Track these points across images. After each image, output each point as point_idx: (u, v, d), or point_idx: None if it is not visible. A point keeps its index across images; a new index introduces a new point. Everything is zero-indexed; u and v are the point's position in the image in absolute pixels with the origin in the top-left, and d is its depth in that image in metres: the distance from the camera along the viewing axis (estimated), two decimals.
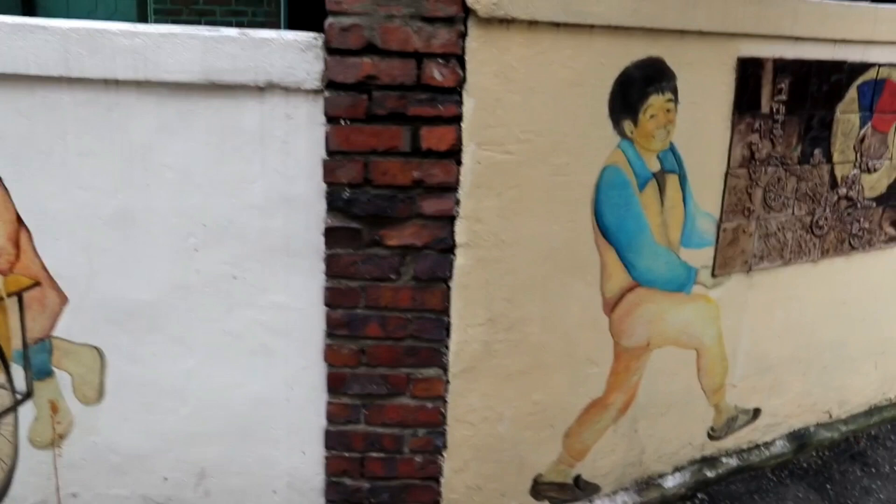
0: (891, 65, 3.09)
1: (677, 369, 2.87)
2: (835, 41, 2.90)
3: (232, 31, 2.22)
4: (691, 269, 2.78)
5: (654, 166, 2.59)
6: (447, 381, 2.40)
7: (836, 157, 3.04)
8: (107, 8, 6.45)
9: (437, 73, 2.19)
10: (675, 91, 2.55)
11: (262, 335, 2.42)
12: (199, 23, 6.17)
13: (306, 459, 2.53)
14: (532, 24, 2.24)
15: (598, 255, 2.56)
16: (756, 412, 3.16)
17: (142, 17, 6.25)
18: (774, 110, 2.80)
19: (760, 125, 2.78)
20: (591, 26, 2.34)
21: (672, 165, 2.63)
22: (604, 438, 2.76)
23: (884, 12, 2.99)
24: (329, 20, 2.13)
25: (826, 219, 3.09)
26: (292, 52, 2.21)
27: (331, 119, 2.20)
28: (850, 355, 3.41)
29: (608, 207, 2.52)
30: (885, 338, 3.53)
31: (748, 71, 2.70)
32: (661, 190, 2.62)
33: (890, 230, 3.34)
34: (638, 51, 2.45)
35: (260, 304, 2.41)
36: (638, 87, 2.47)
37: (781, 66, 2.78)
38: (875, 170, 3.19)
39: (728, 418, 3.07)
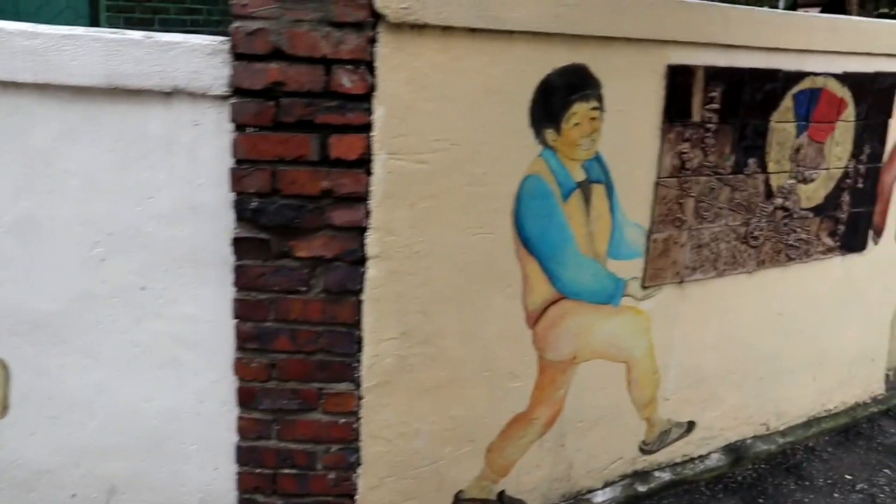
0: (827, 74, 3.06)
1: (606, 382, 2.83)
2: (769, 49, 2.86)
3: (136, 34, 2.14)
4: (620, 280, 2.74)
5: (579, 176, 2.54)
6: (360, 397, 2.34)
7: (771, 166, 3.01)
8: (57, 4, 6.31)
9: (345, 80, 2.13)
10: (600, 99, 2.50)
11: (171, 347, 2.35)
12: (152, 22, 6.05)
13: (219, 475, 2.46)
14: (446, 29, 2.18)
15: (520, 267, 2.50)
16: (690, 425, 3.13)
17: (93, 15, 6.12)
18: (706, 119, 2.76)
19: (692, 134, 2.74)
20: (510, 32, 2.29)
21: (598, 175, 2.58)
22: (529, 453, 2.71)
23: (819, 21, 2.96)
24: (235, 24, 2.06)
25: (762, 229, 3.06)
26: (198, 56, 2.14)
27: (238, 126, 2.13)
28: (787, 367, 3.39)
29: (530, 218, 2.46)
30: (823, 349, 3.51)
31: (678, 79, 2.65)
32: (587, 200, 2.57)
33: (828, 241, 3.32)
34: (560, 58, 2.40)
35: (169, 316, 2.33)
36: (561, 95, 2.42)
37: (713, 74, 2.74)
38: (812, 180, 3.16)
39: (661, 432, 3.04)
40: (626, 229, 2.71)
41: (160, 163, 2.22)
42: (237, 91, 2.12)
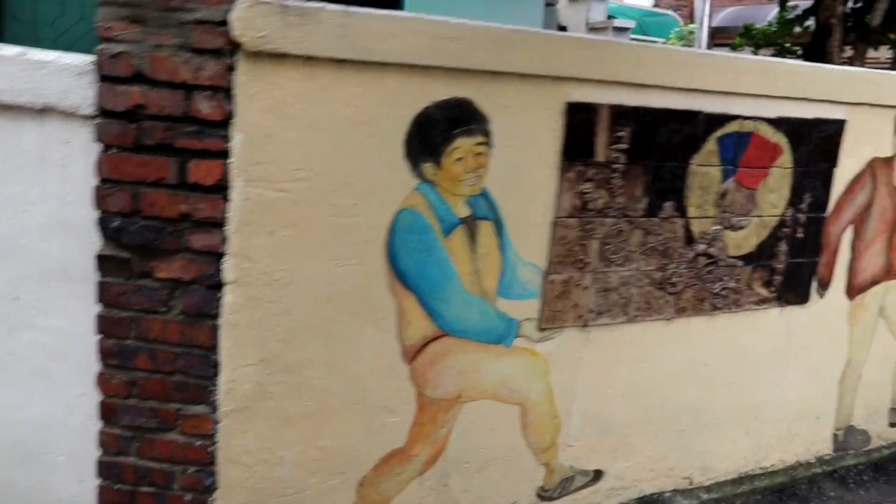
0: (757, 118, 2.98)
1: (498, 424, 2.78)
2: (688, 90, 2.80)
3: (11, 50, 2.22)
4: (512, 320, 2.70)
5: (463, 211, 2.52)
6: (217, 420, 2.35)
7: (692, 211, 2.93)
8: (73, 15, 6.47)
9: (204, 106, 2.16)
10: (487, 134, 2.48)
11: (42, 358, 2.41)
12: None
13: (83, 488, 2.50)
14: (309, 59, 2.20)
15: (394, 301, 2.48)
16: (597, 474, 3.05)
17: None
18: (613, 159, 2.71)
19: (595, 174, 2.69)
20: (382, 64, 2.28)
21: (485, 212, 2.55)
22: (408, 491, 2.69)
23: (745, 63, 2.88)
24: (100, 46, 2.12)
25: (681, 276, 2.98)
26: (68, 75, 2.21)
27: (104, 146, 2.19)
28: (714, 420, 3.28)
29: (405, 252, 2.45)
30: (758, 404, 3.39)
31: (579, 117, 2.62)
32: (472, 236, 2.55)
33: (762, 291, 3.21)
34: (440, 91, 2.39)
35: (40, 327, 2.40)
36: (441, 129, 2.41)
37: (621, 113, 2.69)
38: (741, 227, 3.06)
39: (563, 479, 2.97)
40: (520, 268, 2.67)
41: (33, 178, 2.29)
42: (102, 112, 2.17)
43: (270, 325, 2.35)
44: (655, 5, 13.77)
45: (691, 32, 11.63)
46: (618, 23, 10.20)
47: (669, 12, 12.72)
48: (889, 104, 3.33)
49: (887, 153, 3.43)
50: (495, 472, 2.85)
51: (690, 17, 12.62)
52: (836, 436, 3.71)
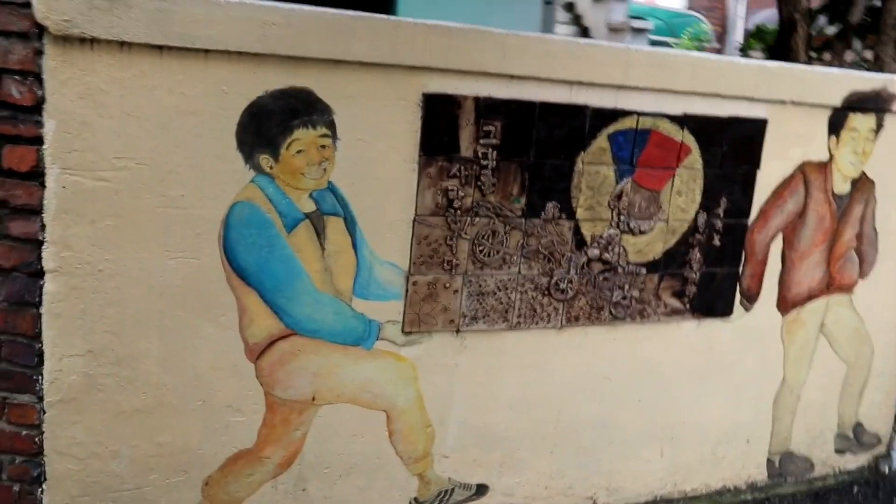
0: (657, 114, 2.80)
1: (361, 430, 2.70)
2: (571, 83, 2.67)
3: None
4: (372, 322, 2.61)
5: (308, 207, 2.45)
6: (43, 410, 2.33)
7: (581, 213, 2.79)
8: None
9: (14, 91, 2.17)
10: (331, 126, 2.41)
11: None
12: None
13: None
14: (124, 45, 2.17)
15: (234, 297, 2.42)
16: (481, 488, 2.93)
17: None
18: (481, 154, 2.60)
19: (461, 170, 2.58)
20: (206, 51, 2.23)
21: (333, 207, 2.48)
22: (260, 494, 2.63)
23: (637, 55, 2.73)
24: None
25: (571, 282, 2.83)
26: None
27: None
28: (622, 438, 3.10)
29: (243, 247, 2.40)
30: (674, 422, 3.19)
31: (438, 109, 2.52)
32: (320, 233, 2.47)
33: (673, 302, 3.02)
34: (275, 80, 2.34)
35: None
36: (278, 120, 2.35)
37: (489, 105, 2.58)
38: (642, 231, 2.89)
39: (440, 491, 2.85)
40: (377, 268, 2.58)
41: None
42: None
43: (96, 316, 2.32)
44: (690, 7, 13.45)
45: (706, 33, 11.23)
46: (636, 24, 9.92)
47: (697, 14, 12.37)
48: (819, 103, 3.10)
49: (821, 157, 3.19)
50: (360, 480, 2.76)
51: (724, 20, 12.22)
52: (771, 461, 3.46)
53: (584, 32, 10.61)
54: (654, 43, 10.11)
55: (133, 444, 2.47)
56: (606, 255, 2.90)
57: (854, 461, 3.69)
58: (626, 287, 2.96)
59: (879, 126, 3.28)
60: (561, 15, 11.07)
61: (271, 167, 2.40)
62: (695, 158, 2.95)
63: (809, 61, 4.92)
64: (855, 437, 3.65)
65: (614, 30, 10.07)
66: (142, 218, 2.32)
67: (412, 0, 5.90)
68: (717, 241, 3.08)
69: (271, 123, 2.37)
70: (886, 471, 3.69)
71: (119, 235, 2.30)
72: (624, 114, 2.80)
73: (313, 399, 2.63)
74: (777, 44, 5.01)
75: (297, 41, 2.33)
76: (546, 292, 2.85)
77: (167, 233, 2.35)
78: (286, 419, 2.62)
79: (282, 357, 2.55)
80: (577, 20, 10.78)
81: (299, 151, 2.41)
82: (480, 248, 2.71)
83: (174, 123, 2.29)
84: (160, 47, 2.23)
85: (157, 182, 2.31)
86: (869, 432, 3.69)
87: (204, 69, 2.28)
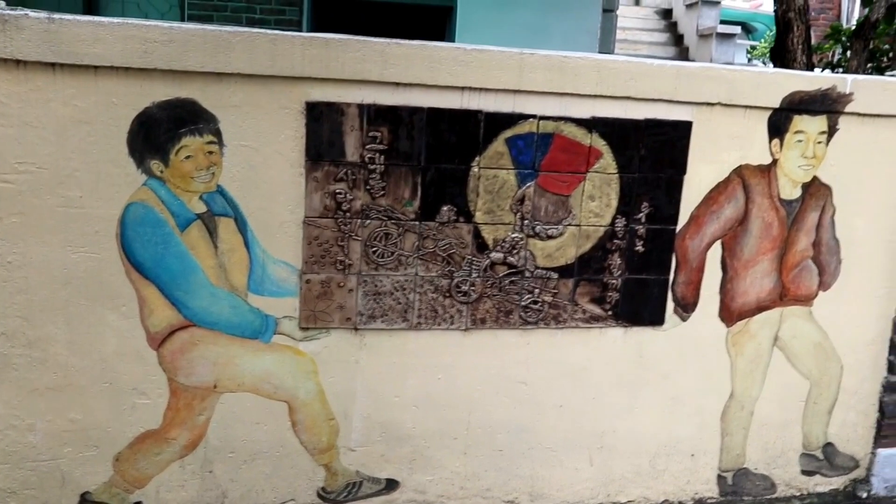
0: (559, 118, 2.90)
1: (264, 419, 2.97)
2: (461, 88, 2.82)
3: None
4: (269, 317, 2.87)
5: (199, 208, 2.74)
6: None
7: (479, 216, 2.93)
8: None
9: None
10: (217, 133, 2.70)
11: None
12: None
13: None
14: (20, 63, 2.54)
15: (134, 289, 2.76)
16: (391, 483, 3.12)
17: (182, 8, 6.80)
18: (368, 159, 2.80)
19: (347, 174, 2.80)
20: (95, 67, 2.58)
21: (223, 209, 2.76)
22: (168, 472, 2.95)
23: (533, 59, 2.84)
24: None
25: (474, 285, 2.97)
26: None
27: None
28: (543, 444, 3.21)
29: (139, 244, 2.73)
30: (603, 431, 3.25)
31: (321, 116, 2.75)
32: (212, 232, 2.76)
33: (592, 308, 3.09)
34: (161, 92, 2.65)
35: None
36: (166, 128, 2.66)
37: (374, 112, 2.78)
38: (551, 236, 2.99)
39: (348, 483, 3.08)
40: (270, 266, 2.84)
41: None
42: None
43: (7, 302, 2.71)
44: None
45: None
46: (721, 28, 9.69)
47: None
48: (755, 105, 3.05)
49: (762, 160, 3.13)
50: (265, 467, 3.02)
51: (837, 21, 11.52)
52: (722, 478, 3.42)
53: (679, 39, 10.46)
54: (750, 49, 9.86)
55: (47, 419, 2.84)
56: (511, 259, 3.00)
57: (826, 484, 3.56)
58: (537, 292, 3.04)
59: (832, 128, 3.16)
60: (654, 22, 10.97)
61: (162, 171, 2.69)
62: (607, 162, 2.99)
63: (808, 60, 4.70)
64: (826, 458, 3.53)
65: (703, 35, 9.89)
66: (44, 216, 2.67)
67: (470, 15, 6.15)
68: (640, 248, 3.10)
69: (160, 132, 2.67)
70: (864, 496, 3.52)
71: (24, 231, 2.67)
72: (521, 118, 2.89)
73: (215, 386, 2.91)
74: (776, 44, 4.82)
75: (178, 56, 2.62)
76: (447, 294, 2.99)
77: (68, 229, 2.70)
78: (189, 404, 2.91)
79: (182, 346, 2.85)
80: (671, 27, 10.63)
81: (188, 157, 2.69)
82: (374, 249, 2.89)
83: (69, 132, 2.63)
84: (53, 64, 2.56)
85: (57, 184, 2.66)
86: (843, 454, 3.54)
87: (94, 83, 2.61)
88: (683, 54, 10.34)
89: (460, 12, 6.30)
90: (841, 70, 5.78)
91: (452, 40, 6.56)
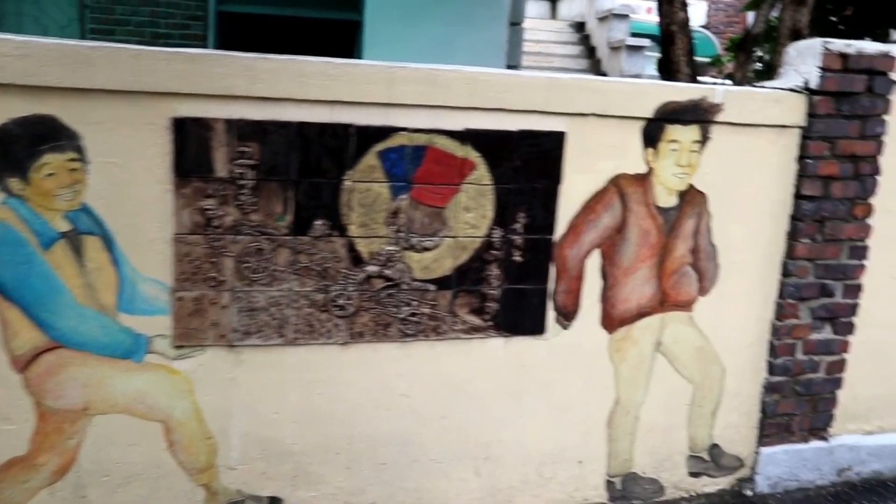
0: (432, 130, 2.93)
1: (138, 440, 2.92)
2: (330, 103, 2.82)
3: None
4: (140, 336, 2.83)
5: (63, 226, 2.70)
6: None
7: (353, 230, 2.93)
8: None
9: None
10: (80, 150, 2.65)
11: None
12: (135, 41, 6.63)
13: None
14: None
15: None
16: (274, 501, 3.09)
17: (82, 28, 6.74)
18: (238, 175, 2.79)
19: (217, 190, 2.78)
20: None
21: (89, 226, 2.72)
22: (38, 500, 2.87)
23: (403, 72, 2.87)
24: None
25: (350, 299, 2.97)
26: None
27: None
28: (428, 456, 3.22)
29: (1, 264, 2.65)
30: (488, 441, 3.28)
31: (189, 132, 2.73)
32: (78, 251, 2.71)
33: (472, 319, 3.12)
34: (19, 108, 2.60)
35: None
36: (24, 145, 2.61)
37: (243, 127, 2.77)
38: (427, 248, 3.01)
39: (229, 502, 3.04)
40: (141, 284, 2.81)
41: None
42: None
43: None
44: (705, 25, 13.33)
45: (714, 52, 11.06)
46: (630, 41, 9.99)
47: (706, 32, 12.30)
48: (629, 115, 3.13)
49: (638, 169, 3.21)
50: (141, 489, 2.97)
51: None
52: (611, 483, 3.48)
53: (592, 51, 10.73)
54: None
55: None
56: (388, 272, 3.02)
57: (713, 484, 3.65)
58: (415, 304, 3.06)
59: (705, 137, 3.26)
60: (568, 35, 11.22)
61: (22, 189, 2.64)
62: (482, 174, 3.04)
63: (693, 71, 4.85)
64: (712, 459, 3.62)
65: (614, 48, 10.16)
66: None
67: (377, 29, 6.18)
68: (518, 258, 3.14)
69: (18, 149, 2.62)
70: (750, 494, 3.62)
71: None
72: (392, 131, 2.91)
73: (86, 409, 2.86)
74: (662, 56, 4.96)
75: (35, 71, 2.58)
76: (324, 308, 2.99)
77: None
78: (59, 428, 2.85)
79: (50, 368, 2.79)
80: (585, 40, 10.90)
81: (49, 175, 2.65)
82: (247, 265, 2.88)
83: None
84: None
85: None
86: (728, 454, 3.64)
87: None
88: (595, 66, 10.57)
89: (368, 27, 6.34)
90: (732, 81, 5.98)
91: (360, 55, 6.59)
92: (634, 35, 10.53)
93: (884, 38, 5.69)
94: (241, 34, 6.81)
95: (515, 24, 6.58)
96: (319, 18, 6.75)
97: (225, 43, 6.69)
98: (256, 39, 6.20)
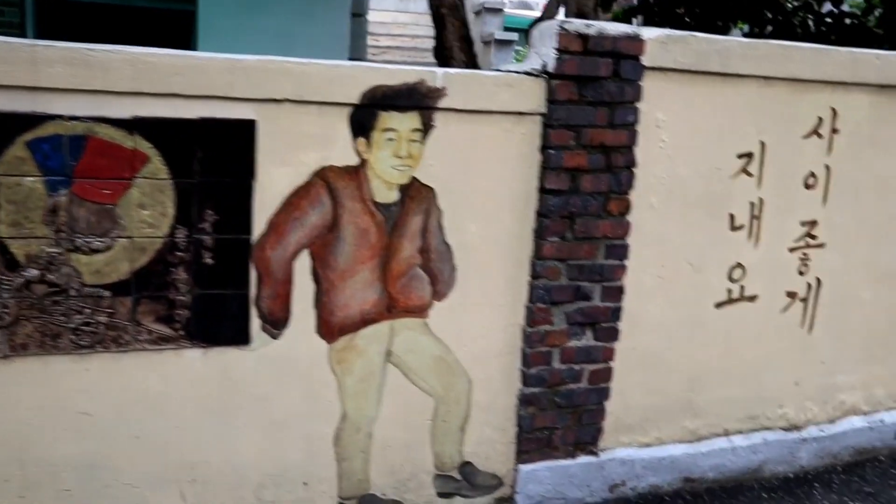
0: (94, 119, 2.62)
1: None
2: None
3: None
4: None
5: None
6: None
7: (5, 230, 2.61)
8: None
9: None
10: None
11: None
12: None
13: None
14: None
15: None
16: None
17: None
18: None
19: None
20: None
21: None
22: None
23: (50, 51, 2.60)
24: None
25: (6, 307, 2.65)
26: None
27: None
28: (120, 480, 2.93)
29: None
30: (193, 463, 3.00)
31: None
32: None
33: (158, 328, 2.82)
34: None
35: None
36: None
37: None
38: (96, 250, 2.69)
39: None
40: None
41: None
42: None
43: None
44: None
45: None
46: (500, 35, 9.85)
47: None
48: (331, 101, 2.84)
49: (348, 161, 2.92)
50: None
51: None
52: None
53: (469, 45, 10.57)
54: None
55: None
56: (51, 277, 2.71)
57: None
58: (88, 312, 2.75)
59: (427, 126, 2.97)
60: None
61: None
62: (156, 167, 2.74)
63: (467, 58, 4.57)
64: (464, 478, 3.34)
65: (486, 42, 10.01)
66: None
67: (212, 21, 5.86)
68: (209, 260, 2.85)
69: None
70: None
71: None
72: (43, 119, 2.60)
73: None
74: (436, 42, 4.68)
75: None
76: None
77: None
78: None
79: None
80: None
81: None
82: None
83: None
84: None
85: None
86: (483, 472, 3.36)
87: None
88: (471, 60, 10.36)
89: (202, 18, 6.01)
90: None
91: (195, 47, 6.25)
92: (507, 30, 10.35)
93: (724, 32, 5.45)
94: (64, 23, 6.44)
95: (358, 15, 6.29)
96: (151, 8, 6.41)
97: (46, 32, 6.33)
98: (84, 30, 5.84)
